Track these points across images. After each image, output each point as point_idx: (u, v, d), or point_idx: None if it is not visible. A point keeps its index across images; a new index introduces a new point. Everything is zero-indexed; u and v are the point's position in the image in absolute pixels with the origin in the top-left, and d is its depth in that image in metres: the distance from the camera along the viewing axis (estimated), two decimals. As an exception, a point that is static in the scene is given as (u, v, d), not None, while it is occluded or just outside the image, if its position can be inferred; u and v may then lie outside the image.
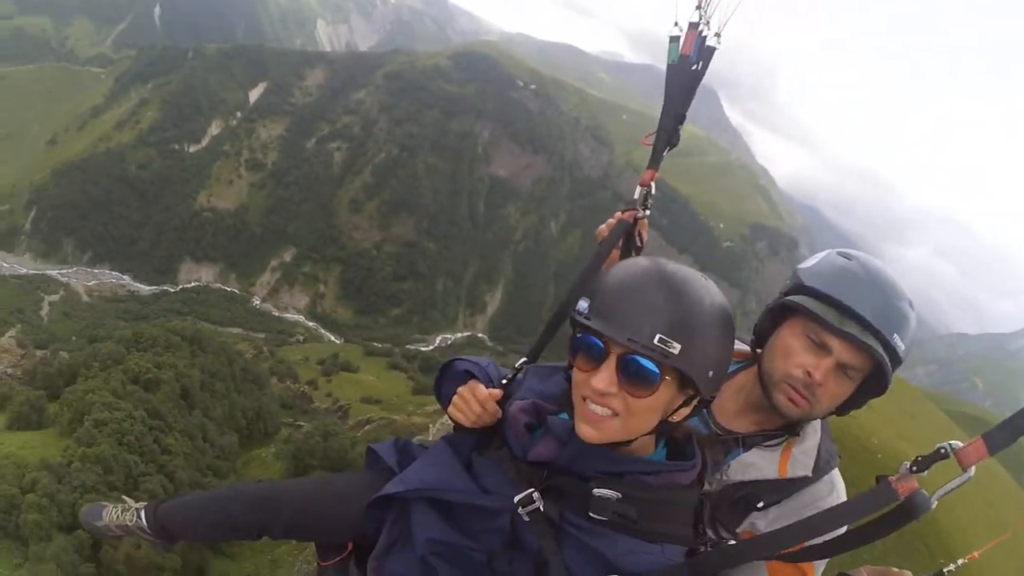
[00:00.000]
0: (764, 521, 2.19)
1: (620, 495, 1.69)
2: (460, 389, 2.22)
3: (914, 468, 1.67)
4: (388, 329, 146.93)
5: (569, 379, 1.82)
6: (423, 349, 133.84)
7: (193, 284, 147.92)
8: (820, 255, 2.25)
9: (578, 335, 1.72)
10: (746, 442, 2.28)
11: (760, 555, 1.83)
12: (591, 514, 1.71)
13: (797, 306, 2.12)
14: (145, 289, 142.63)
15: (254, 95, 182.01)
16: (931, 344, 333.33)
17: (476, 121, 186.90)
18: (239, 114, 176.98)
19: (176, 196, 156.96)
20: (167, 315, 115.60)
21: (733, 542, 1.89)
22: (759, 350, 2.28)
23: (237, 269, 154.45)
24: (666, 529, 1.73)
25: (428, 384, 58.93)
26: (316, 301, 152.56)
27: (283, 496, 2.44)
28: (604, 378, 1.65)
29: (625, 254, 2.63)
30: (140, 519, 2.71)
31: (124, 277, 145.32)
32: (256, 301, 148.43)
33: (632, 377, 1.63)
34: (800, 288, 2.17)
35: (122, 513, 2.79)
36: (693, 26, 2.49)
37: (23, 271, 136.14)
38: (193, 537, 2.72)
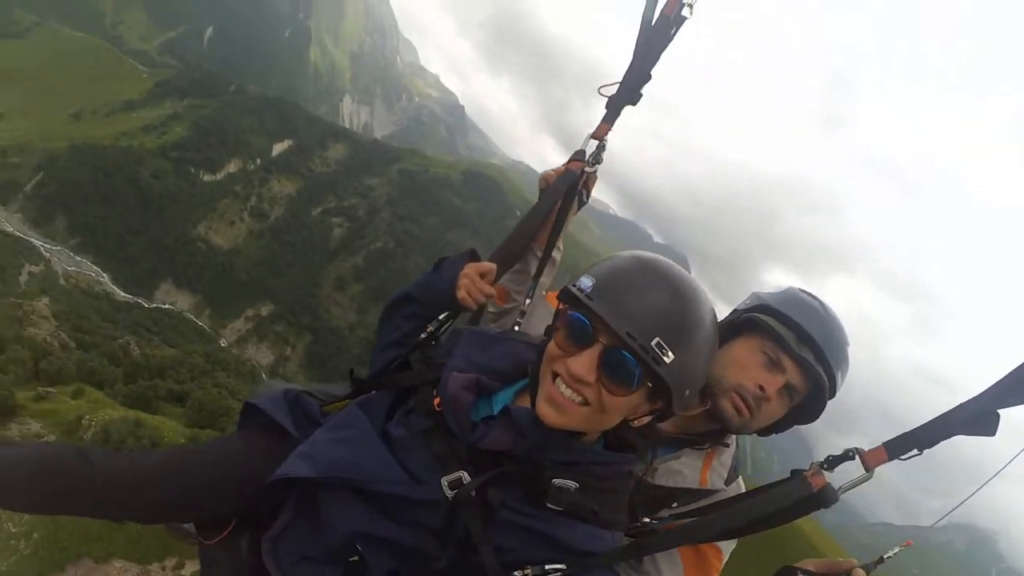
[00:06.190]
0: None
1: (577, 485, 1.68)
2: (465, 269, 2.27)
3: (824, 465, 1.84)
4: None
5: (541, 352, 1.73)
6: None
7: (167, 306, 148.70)
8: (783, 287, 2.35)
9: (570, 311, 1.65)
10: (672, 441, 2.32)
11: (695, 539, 1.95)
12: (549, 504, 1.68)
13: (761, 323, 2.22)
14: (120, 294, 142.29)
15: (277, 148, 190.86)
16: (855, 532, 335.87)
17: (470, 237, 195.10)
18: (259, 161, 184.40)
19: (177, 217, 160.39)
20: (136, 328, 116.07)
21: (667, 527, 2.02)
22: None
23: (213, 307, 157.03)
24: (612, 517, 1.75)
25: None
26: (280, 362, 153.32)
27: (148, 486, 2.03)
28: (584, 363, 1.58)
29: (566, 206, 2.64)
30: None
31: (104, 276, 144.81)
32: (223, 343, 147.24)
33: (614, 372, 1.58)
34: (763, 308, 2.26)
35: None
36: None
37: (9, 229, 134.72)
38: (12, 509, 2.16)
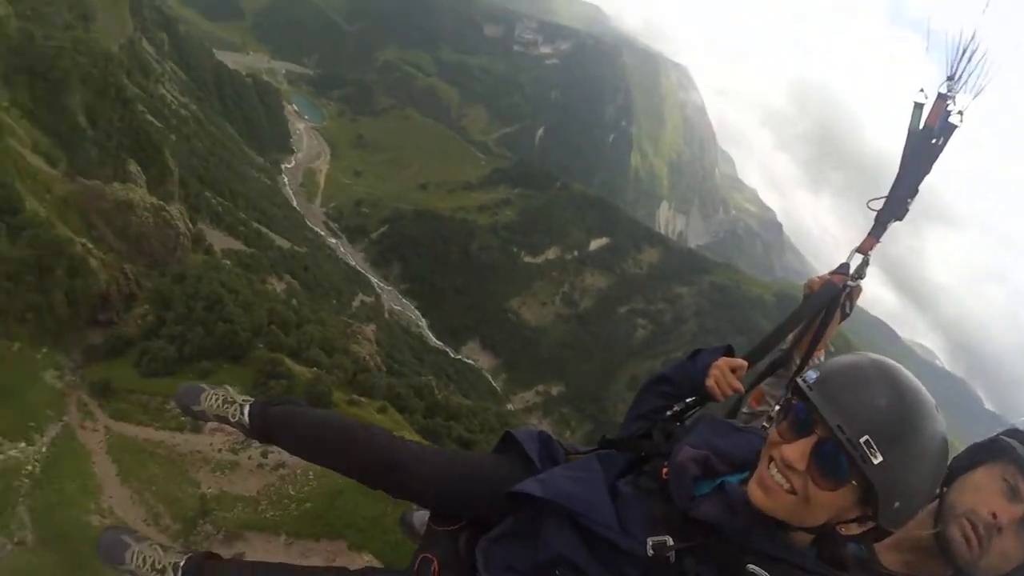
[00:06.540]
0: None
1: None
2: (718, 361, 2.33)
3: None
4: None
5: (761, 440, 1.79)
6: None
7: (469, 361, 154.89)
8: None
9: (794, 400, 1.70)
10: None
11: None
12: None
13: (1006, 446, 2.03)
14: (432, 340, 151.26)
15: (595, 244, 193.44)
16: None
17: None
18: (576, 252, 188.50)
19: (496, 288, 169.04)
20: (438, 372, 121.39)
21: None
22: (944, 488, 2.09)
23: (510, 373, 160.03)
24: None
25: None
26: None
27: (413, 464, 2.41)
28: (796, 451, 1.60)
29: (828, 317, 2.58)
30: (243, 415, 2.72)
31: (422, 320, 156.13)
32: (510, 407, 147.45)
33: (822, 464, 1.58)
34: (1012, 432, 2.08)
35: (223, 404, 2.78)
36: (942, 97, 2.37)
37: (352, 263, 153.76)
38: (295, 453, 2.69)
